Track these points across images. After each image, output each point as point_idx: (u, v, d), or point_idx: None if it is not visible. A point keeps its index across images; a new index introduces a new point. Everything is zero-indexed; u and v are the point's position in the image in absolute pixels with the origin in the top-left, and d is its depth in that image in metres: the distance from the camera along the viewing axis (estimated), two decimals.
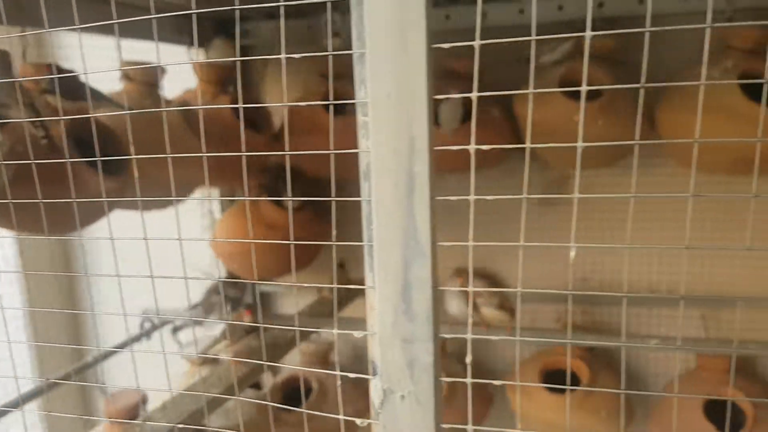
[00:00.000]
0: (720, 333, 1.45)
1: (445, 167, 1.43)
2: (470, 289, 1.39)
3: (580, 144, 0.53)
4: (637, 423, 1.45)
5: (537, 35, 0.55)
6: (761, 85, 1.17)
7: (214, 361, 1.32)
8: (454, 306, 1.30)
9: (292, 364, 1.69)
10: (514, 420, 1.53)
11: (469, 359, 0.59)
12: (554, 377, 1.42)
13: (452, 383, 1.45)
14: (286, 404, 1.54)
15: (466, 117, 1.29)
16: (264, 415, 1.38)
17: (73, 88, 0.97)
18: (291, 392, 1.55)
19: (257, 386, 1.44)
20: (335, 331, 0.63)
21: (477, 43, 0.52)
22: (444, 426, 0.59)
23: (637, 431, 1.47)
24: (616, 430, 1.35)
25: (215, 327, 1.43)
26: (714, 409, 1.31)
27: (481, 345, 1.65)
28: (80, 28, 0.66)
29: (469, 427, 0.58)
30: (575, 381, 1.39)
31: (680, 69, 1.24)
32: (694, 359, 1.42)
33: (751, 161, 1.14)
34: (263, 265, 1.49)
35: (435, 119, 1.29)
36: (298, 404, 1.53)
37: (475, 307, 1.30)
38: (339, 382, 0.76)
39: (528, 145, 0.62)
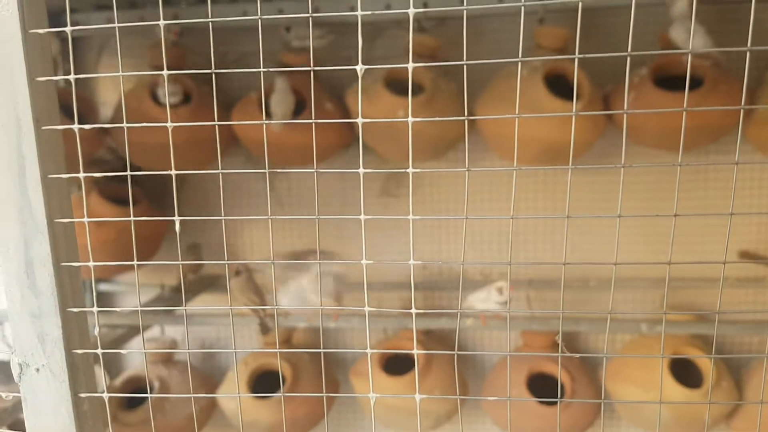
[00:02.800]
0: (544, 311, 1.56)
1: (283, 160, 1.45)
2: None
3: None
4: (470, 398, 1.54)
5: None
6: (564, 82, 1.27)
7: None
8: (285, 300, 1.32)
9: (134, 363, 1.65)
10: (357, 404, 1.57)
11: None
12: (395, 361, 1.48)
13: (296, 373, 1.47)
14: (128, 405, 1.50)
15: (298, 109, 1.31)
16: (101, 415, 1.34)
17: None
18: (132, 392, 1.51)
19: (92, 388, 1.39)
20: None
21: (68, 29, 0.55)
22: (82, 395, 0.62)
23: (470, 405, 1.56)
24: (449, 406, 1.42)
25: None
26: (536, 383, 1.42)
27: (330, 335, 1.69)
28: None
29: (105, 395, 0.61)
30: (412, 363, 1.45)
31: (496, 67, 1.32)
32: (521, 337, 1.52)
33: (554, 152, 1.24)
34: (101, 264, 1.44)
35: (267, 111, 1.30)
36: (140, 404, 1.50)
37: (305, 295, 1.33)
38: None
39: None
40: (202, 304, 1.59)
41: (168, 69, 1.35)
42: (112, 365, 1.69)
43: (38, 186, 0.58)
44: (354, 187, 1.55)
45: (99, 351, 0.61)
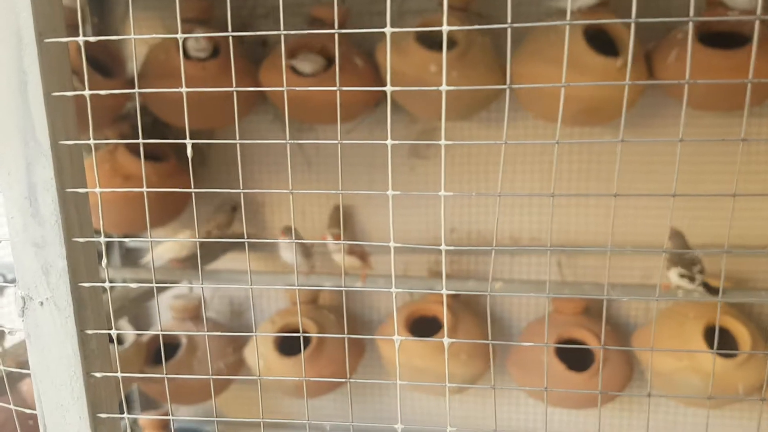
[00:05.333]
0: (575, 277, 1.53)
1: (312, 118, 1.42)
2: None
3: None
4: (496, 364, 1.52)
5: None
6: (604, 36, 1.22)
7: None
8: (287, 255, 1.31)
9: (163, 320, 1.66)
10: (384, 366, 1.56)
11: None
12: (420, 324, 1.46)
13: (322, 336, 1.46)
14: (154, 361, 1.51)
15: (328, 65, 1.28)
16: (125, 371, 1.35)
17: None
18: (158, 349, 1.52)
19: (118, 341, 1.40)
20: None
21: None
22: (88, 332, 0.58)
23: (496, 370, 1.54)
24: (475, 371, 1.41)
25: None
26: (565, 350, 1.39)
27: (356, 297, 1.68)
28: None
29: (113, 332, 0.58)
30: (438, 326, 1.44)
31: (534, 21, 1.27)
32: (552, 303, 1.49)
33: (594, 111, 1.20)
34: (129, 219, 1.44)
35: (295, 68, 1.27)
36: (166, 360, 1.51)
37: (306, 254, 1.32)
38: None
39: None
40: (231, 262, 1.59)
41: (196, 22, 1.33)
42: (140, 321, 1.70)
43: (41, 104, 0.53)
44: (383, 146, 1.52)
45: (107, 285, 0.57)
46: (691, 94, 1.25)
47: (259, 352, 1.49)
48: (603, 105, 1.18)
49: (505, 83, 1.29)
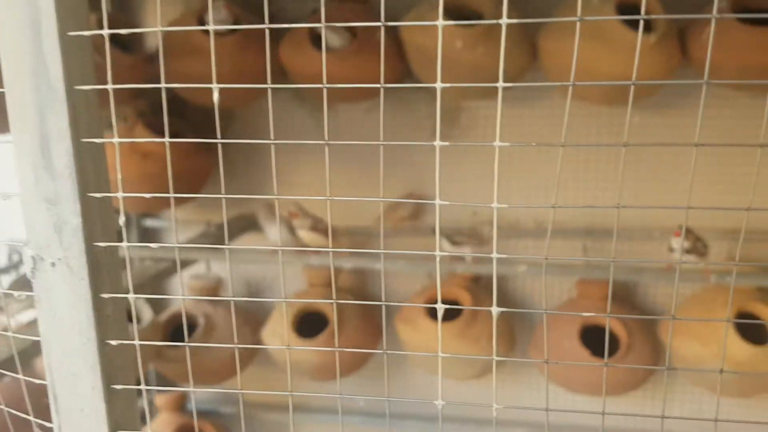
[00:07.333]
0: (601, 262, 1.49)
1: (332, 97, 1.39)
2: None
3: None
4: (517, 349, 1.49)
5: None
6: (638, 12, 1.17)
7: None
8: (273, 233, 1.30)
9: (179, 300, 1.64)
10: (402, 349, 1.54)
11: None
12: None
13: (340, 316, 1.44)
14: (171, 340, 1.50)
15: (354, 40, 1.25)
16: (144, 350, 1.34)
17: None
18: (176, 328, 1.51)
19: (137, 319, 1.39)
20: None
21: None
22: (103, 296, 0.53)
23: (517, 355, 1.51)
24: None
25: None
26: (589, 336, 1.36)
27: (375, 280, 1.65)
28: None
29: (131, 296, 0.53)
30: (460, 310, 1.41)
31: None
32: (576, 287, 1.46)
33: (624, 89, 1.16)
34: (146, 198, 1.42)
35: (321, 37, 1.24)
36: (182, 341, 1.50)
37: (292, 231, 1.30)
38: None
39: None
40: (246, 244, 1.57)
41: None
42: (157, 300, 1.69)
43: (56, 44, 0.47)
44: (404, 125, 1.48)
45: (125, 245, 0.52)
46: (726, 75, 1.20)
47: (277, 333, 1.48)
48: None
49: (532, 59, 1.25)
